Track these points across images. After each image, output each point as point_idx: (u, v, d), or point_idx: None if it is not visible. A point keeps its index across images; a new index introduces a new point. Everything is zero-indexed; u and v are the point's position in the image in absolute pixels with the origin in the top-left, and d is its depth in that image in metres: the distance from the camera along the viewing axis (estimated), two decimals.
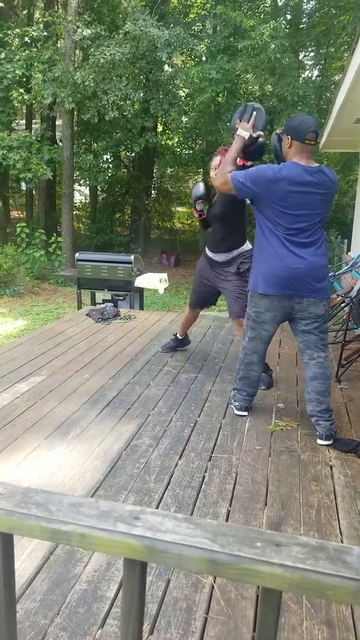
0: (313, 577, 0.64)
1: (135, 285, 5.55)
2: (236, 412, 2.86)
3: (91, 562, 1.65)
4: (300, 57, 13.52)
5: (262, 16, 11.65)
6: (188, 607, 1.48)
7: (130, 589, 0.76)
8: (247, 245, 3.34)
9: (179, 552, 0.70)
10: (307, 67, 14.58)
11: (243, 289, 3.24)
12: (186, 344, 4.04)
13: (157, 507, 1.95)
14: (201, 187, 3.35)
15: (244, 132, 2.61)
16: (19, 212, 16.86)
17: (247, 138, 2.61)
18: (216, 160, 3.13)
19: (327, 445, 2.51)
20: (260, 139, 2.67)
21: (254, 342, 2.72)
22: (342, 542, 1.77)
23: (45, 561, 1.65)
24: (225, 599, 1.51)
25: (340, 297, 4.06)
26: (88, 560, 1.66)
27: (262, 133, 2.58)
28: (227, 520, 1.89)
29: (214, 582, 1.57)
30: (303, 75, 13.19)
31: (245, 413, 2.86)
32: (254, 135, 2.61)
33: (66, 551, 1.69)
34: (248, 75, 11.17)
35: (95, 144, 12.54)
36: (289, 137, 2.43)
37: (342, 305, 4.00)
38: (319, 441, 2.53)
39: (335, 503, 2.02)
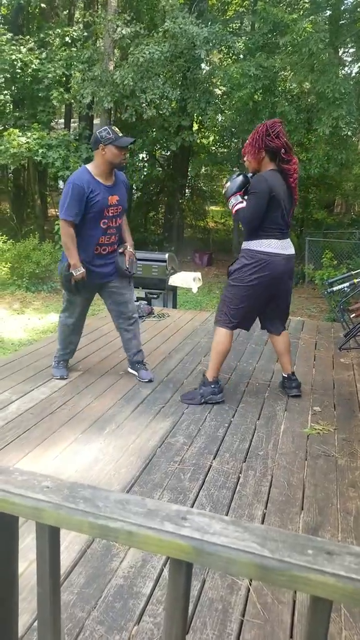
0: None
1: (169, 283, 5.56)
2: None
3: (127, 557, 1.67)
4: (340, 54, 13.20)
5: (301, 12, 11.44)
6: (224, 608, 1.47)
7: (176, 589, 0.76)
8: (253, 243, 2.82)
9: (228, 555, 0.69)
10: (347, 64, 14.24)
11: (227, 291, 2.92)
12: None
13: (192, 507, 1.94)
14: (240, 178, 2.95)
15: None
16: (56, 210, 17.15)
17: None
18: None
19: None
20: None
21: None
22: None
23: (83, 554, 1.67)
24: (261, 602, 1.49)
25: None
26: (124, 556, 1.67)
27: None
28: (262, 522, 1.87)
29: (250, 584, 1.56)
30: (342, 72, 12.88)
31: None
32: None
33: (103, 545, 1.71)
34: (286, 73, 10.99)
35: None
36: None
37: None
38: None
39: None
